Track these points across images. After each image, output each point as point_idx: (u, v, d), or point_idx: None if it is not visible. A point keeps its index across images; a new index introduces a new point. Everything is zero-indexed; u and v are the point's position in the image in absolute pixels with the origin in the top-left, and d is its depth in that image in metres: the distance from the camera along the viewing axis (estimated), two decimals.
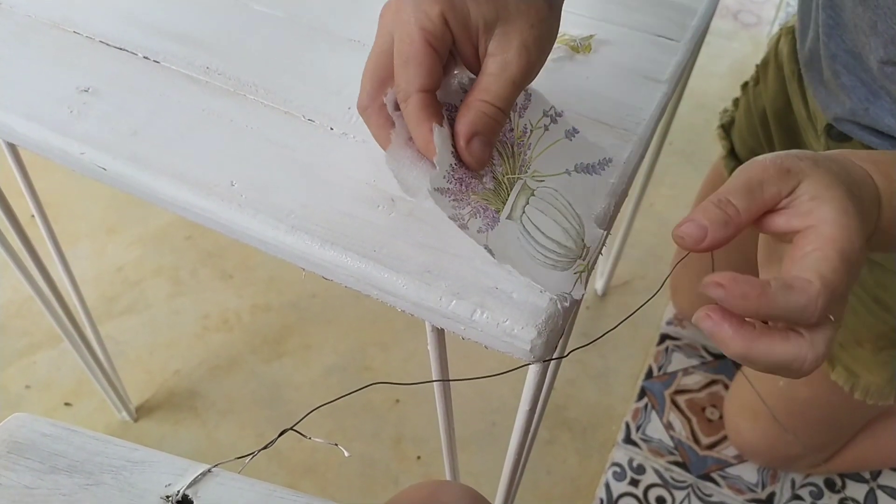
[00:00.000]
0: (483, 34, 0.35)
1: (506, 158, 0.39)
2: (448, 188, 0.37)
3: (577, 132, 0.41)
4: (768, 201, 0.33)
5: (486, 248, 0.36)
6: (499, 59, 0.35)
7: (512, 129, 0.40)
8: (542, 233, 0.38)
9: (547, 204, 0.39)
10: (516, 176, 0.39)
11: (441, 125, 0.36)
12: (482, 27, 0.35)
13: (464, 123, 0.36)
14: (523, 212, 0.38)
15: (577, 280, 0.37)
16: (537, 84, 0.47)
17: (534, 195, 0.39)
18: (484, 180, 0.38)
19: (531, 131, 0.41)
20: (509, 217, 0.38)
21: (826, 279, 0.31)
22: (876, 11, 0.47)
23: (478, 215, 0.37)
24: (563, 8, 0.53)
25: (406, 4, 0.34)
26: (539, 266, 0.37)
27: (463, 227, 0.36)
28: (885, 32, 0.47)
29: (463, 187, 0.37)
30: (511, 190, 0.38)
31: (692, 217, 0.33)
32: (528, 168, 0.40)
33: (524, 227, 0.38)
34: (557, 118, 0.41)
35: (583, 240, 0.38)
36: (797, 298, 0.30)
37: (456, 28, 0.34)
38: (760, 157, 0.34)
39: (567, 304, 0.37)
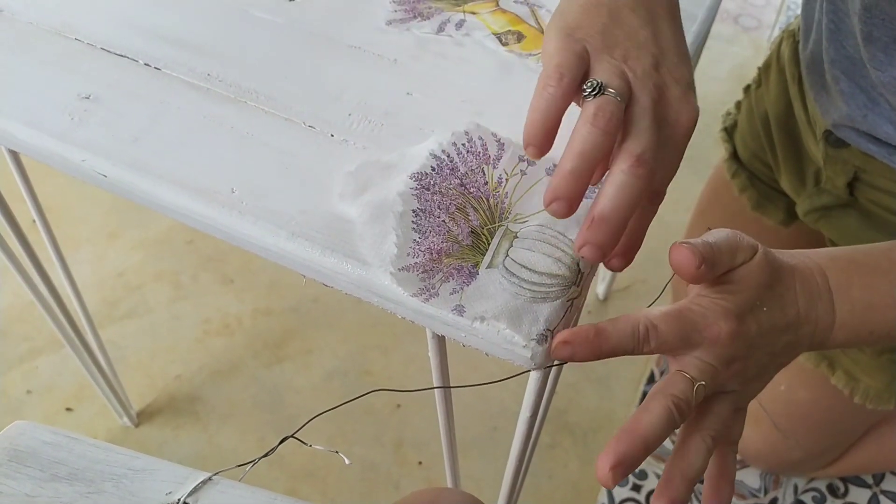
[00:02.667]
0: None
1: (482, 212, 0.39)
2: (414, 263, 0.37)
3: None
4: (735, 266, 0.38)
5: (453, 310, 0.36)
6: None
7: (486, 182, 0.40)
8: (530, 269, 0.37)
9: (533, 241, 0.38)
10: (496, 225, 0.39)
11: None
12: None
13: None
14: (506, 255, 0.38)
15: (567, 309, 0.37)
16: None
17: (517, 237, 0.39)
18: (460, 238, 0.38)
19: (507, 180, 0.41)
20: (490, 266, 0.38)
21: (659, 314, 0.35)
22: (872, 21, 0.47)
23: (451, 278, 0.37)
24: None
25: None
26: (527, 303, 0.36)
27: (429, 298, 0.36)
28: (881, 38, 0.47)
29: (434, 255, 0.37)
30: (492, 239, 0.38)
31: (696, 247, 0.36)
32: (509, 214, 0.39)
33: (507, 269, 0.37)
34: (535, 160, 0.42)
35: (578, 264, 0.38)
36: (623, 325, 0.35)
37: None
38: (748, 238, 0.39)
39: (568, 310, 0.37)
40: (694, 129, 0.37)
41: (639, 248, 0.38)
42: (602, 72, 0.36)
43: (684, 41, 0.40)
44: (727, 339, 0.35)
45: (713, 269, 0.36)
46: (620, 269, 0.37)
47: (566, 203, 0.33)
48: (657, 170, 0.35)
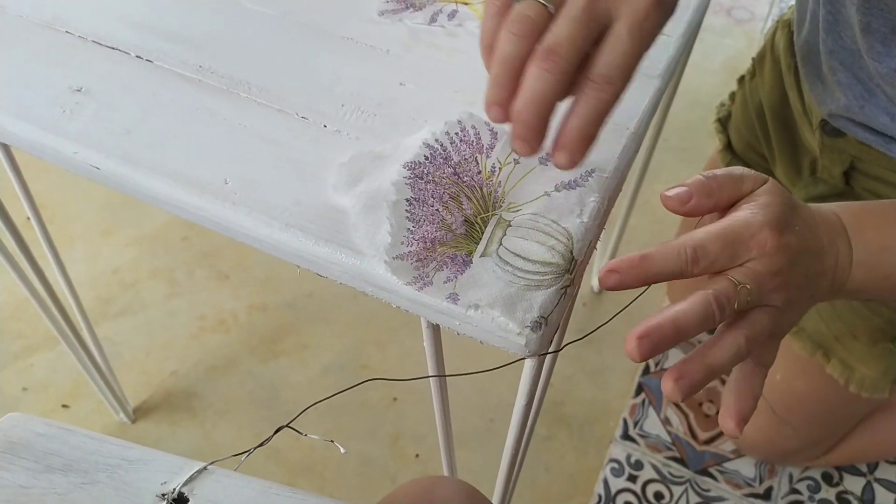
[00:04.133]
0: None
1: (475, 200, 0.39)
2: (408, 251, 0.37)
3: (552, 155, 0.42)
4: (744, 193, 0.38)
5: (447, 298, 0.36)
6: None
7: (480, 171, 0.40)
8: (523, 258, 0.38)
9: (527, 229, 0.38)
10: (490, 213, 0.39)
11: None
12: None
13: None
14: (500, 244, 0.38)
15: (560, 296, 0.37)
16: None
17: (511, 226, 0.39)
18: (453, 227, 0.38)
19: (500, 169, 0.41)
20: (483, 255, 0.38)
21: (704, 234, 0.35)
22: (871, 11, 0.47)
23: (445, 267, 0.37)
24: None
25: None
26: (521, 290, 0.36)
27: (423, 286, 0.36)
28: (879, 29, 0.47)
29: (427, 244, 0.37)
30: (485, 228, 0.38)
31: (684, 183, 0.37)
32: (502, 203, 0.40)
33: (500, 258, 0.37)
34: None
35: (571, 252, 0.38)
36: (668, 248, 0.35)
37: None
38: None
39: (562, 298, 0.37)
40: (652, 9, 0.34)
41: (587, 141, 0.34)
42: None
43: None
44: (773, 249, 0.35)
45: (710, 197, 0.37)
46: (567, 166, 0.35)
47: (500, 108, 0.34)
48: (572, 58, 0.33)
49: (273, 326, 1.07)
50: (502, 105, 0.34)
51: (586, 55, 0.34)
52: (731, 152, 0.80)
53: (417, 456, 0.96)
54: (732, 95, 0.80)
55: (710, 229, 0.36)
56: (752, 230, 0.36)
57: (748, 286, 0.35)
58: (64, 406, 0.99)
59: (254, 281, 1.12)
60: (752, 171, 0.39)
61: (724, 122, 0.80)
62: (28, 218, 0.71)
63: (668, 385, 0.33)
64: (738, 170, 0.38)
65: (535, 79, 0.33)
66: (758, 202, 0.37)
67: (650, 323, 0.33)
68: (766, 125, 0.73)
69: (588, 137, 0.34)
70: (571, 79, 0.33)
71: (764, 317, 0.36)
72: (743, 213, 0.36)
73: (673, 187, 0.37)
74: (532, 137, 0.34)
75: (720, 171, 0.38)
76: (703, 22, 0.59)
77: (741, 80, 0.78)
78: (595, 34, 0.33)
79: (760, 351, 0.37)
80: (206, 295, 1.11)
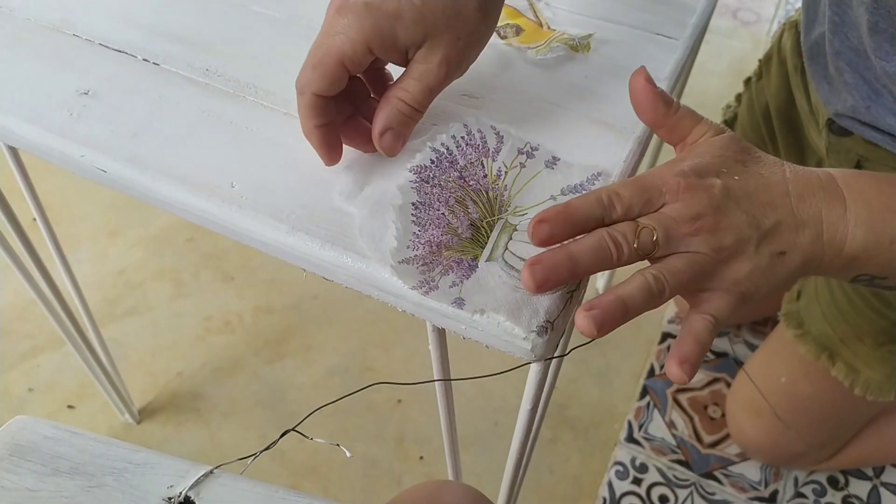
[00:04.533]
0: (412, 50, 0.38)
1: (481, 204, 0.39)
2: (414, 255, 0.37)
3: (558, 160, 0.42)
4: (699, 132, 0.39)
5: (453, 303, 0.36)
6: (421, 67, 0.39)
7: (485, 175, 0.40)
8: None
9: None
10: (495, 217, 0.39)
11: (323, 124, 0.39)
12: (410, 46, 0.38)
13: (380, 118, 0.39)
14: (506, 248, 0.38)
15: (566, 301, 0.37)
16: (536, 83, 0.47)
17: (516, 230, 0.39)
18: (459, 231, 0.38)
19: (506, 173, 0.41)
20: (489, 259, 0.38)
21: (619, 183, 0.36)
22: (878, 11, 0.47)
23: (450, 271, 0.37)
24: (562, 7, 0.53)
25: (337, 22, 0.37)
26: (526, 295, 0.36)
27: (429, 291, 0.36)
28: (887, 30, 0.47)
29: (433, 248, 0.37)
30: (491, 232, 0.38)
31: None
32: (508, 207, 0.40)
33: (506, 262, 0.37)
34: (534, 152, 0.42)
35: None
36: (587, 196, 0.35)
37: (382, 52, 0.38)
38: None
39: (566, 303, 0.37)
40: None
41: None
42: None
43: None
44: (686, 192, 0.35)
45: (668, 105, 0.38)
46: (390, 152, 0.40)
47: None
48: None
49: (278, 328, 1.08)
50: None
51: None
52: None
53: (422, 458, 0.96)
54: (739, 97, 0.80)
55: (627, 179, 0.37)
56: (666, 177, 0.36)
57: (651, 226, 0.34)
58: (69, 407, 0.99)
59: (259, 282, 1.13)
60: (715, 123, 0.39)
61: (730, 124, 0.80)
62: (34, 219, 0.72)
63: (579, 317, 0.33)
64: (697, 113, 0.39)
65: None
66: (688, 152, 0.38)
67: (545, 256, 0.33)
68: (773, 126, 0.72)
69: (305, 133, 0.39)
70: (319, 96, 0.38)
71: (678, 261, 0.35)
72: (664, 165, 0.37)
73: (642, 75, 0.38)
74: (315, 148, 0.40)
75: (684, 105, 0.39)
76: (709, 24, 0.59)
77: (747, 81, 0.77)
78: None
79: (699, 300, 0.36)
80: (212, 296, 1.11)
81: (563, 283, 0.34)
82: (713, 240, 0.35)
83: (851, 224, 0.37)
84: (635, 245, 0.34)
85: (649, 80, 0.38)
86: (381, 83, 0.43)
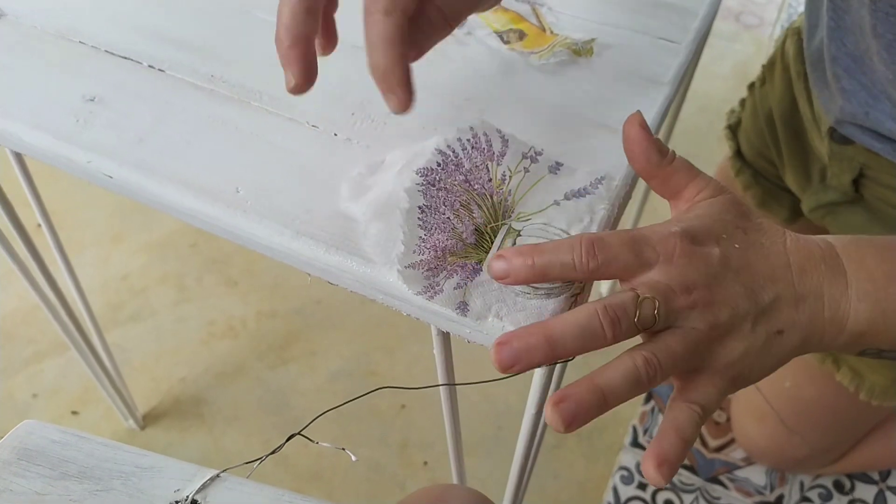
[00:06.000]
0: None
1: (486, 209, 0.40)
2: (420, 260, 0.37)
3: (562, 164, 0.42)
4: (694, 190, 0.36)
5: (458, 307, 0.36)
6: None
7: (490, 179, 0.41)
8: None
9: (536, 238, 0.38)
10: (500, 223, 0.39)
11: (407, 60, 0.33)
12: None
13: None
14: None
15: (570, 305, 0.37)
16: (539, 88, 0.47)
17: (520, 235, 0.39)
18: (464, 236, 0.38)
19: (510, 177, 0.41)
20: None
21: (603, 232, 0.32)
22: (875, 14, 0.47)
23: (455, 274, 0.37)
24: (565, 12, 0.53)
25: None
26: (531, 299, 0.36)
27: (433, 295, 0.36)
28: (885, 35, 0.47)
29: (438, 253, 0.38)
30: (495, 237, 0.39)
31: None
32: (512, 212, 0.40)
33: None
34: (538, 157, 0.42)
35: None
36: (565, 239, 0.32)
37: None
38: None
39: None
40: None
41: (396, 72, 0.33)
42: None
43: None
44: (682, 258, 0.31)
45: (662, 155, 0.35)
46: (397, 108, 0.34)
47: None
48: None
49: (282, 333, 1.08)
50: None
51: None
52: (740, 159, 0.80)
53: (426, 463, 0.96)
54: (742, 102, 0.80)
55: (618, 230, 0.33)
56: (662, 236, 0.32)
57: (653, 297, 0.30)
58: (73, 412, 0.99)
59: (262, 287, 1.13)
60: (713, 179, 0.36)
61: (734, 129, 0.80)
62: (39, 224, 0.72)
63: (548, 410, 0.29)
64: (694, 166, 0.36)
65: (371, 26, 0.32)
66: (685, 214, 0.34)
67: (519, 333, 0.29)
68: (776, 132, 0.72)
69: (389, 66, 0.32)
70: (407, 16, 0.32)
71: (673, 339, 0.31)
72: (659, 224, 0.33)
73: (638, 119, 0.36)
74: (394, 86, 0.32)
75: (681, 157, 0.36)
76: (712, 27, 0.59)
77: (751, 86, 0.78)
78: None
79: (686, 385, 0.32)
80: (215, 301, 1.11)
81: (537, 366, 0.30)
82: (709, 315, 0.31)
83: (854, 299, 0.33)
84: (636, 319, 0.30)
85: (644, 127, 0.35)
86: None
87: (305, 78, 0.34)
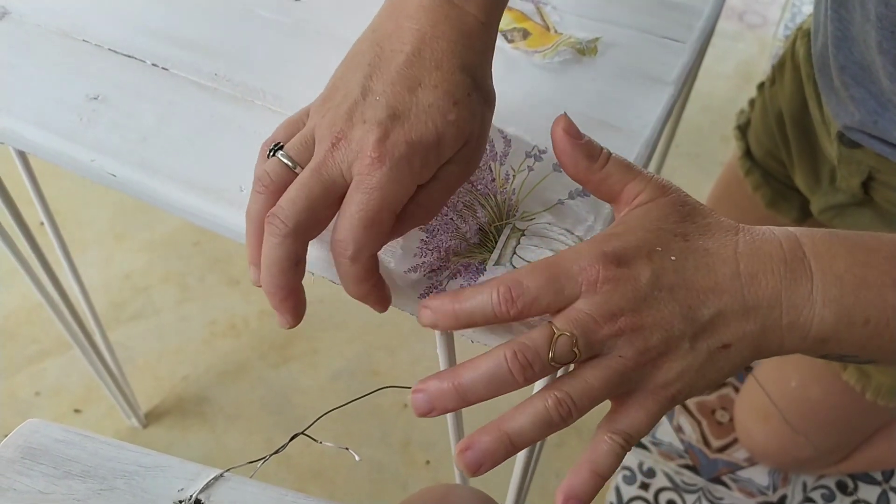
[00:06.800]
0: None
1: (489, 208, 0.39)
2: (422, 263, 0.37)
3: None
4: (634, 190, 0.34)
5: None
6: (453, 168, 0.34)
7: (493, 179, 0.40)
8: None
9: (540, 238, 0.38)
10: (503, 222, 0.39)
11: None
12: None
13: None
14: (514, 253, 0.38)
15: None
16: (543, 87, 0.47)
17: (524, 234, 0.39)
18: (468, 236, 0.38)
19: (514, 176, 0.41)
20: (497, 263, 0.38)
21: (524, 267, 0.31)
22: (881, 31, 0.47)
23: (458, 275, 0.37)
24: (569, 11, 0.53)
25: (378, 170, 0.31)
26: None
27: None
28: (890, 51, 0.47)
29: (442, 254, 0.37)
30: (499, 237, 0.38)
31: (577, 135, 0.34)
32: (516, 211, 0.39)
33: (514, 267, 0.37)
34: (542, 155, 0.42)
35: None
36: (482, 287, 0.31)
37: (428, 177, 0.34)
38: None
39: None
40: (373, 167, 0.31)
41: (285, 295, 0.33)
42: (287, 137, 0.35)
43: (412, 71, 0.33)
44: (606, 284, 0.30)
45: (592, 159, 0.33)
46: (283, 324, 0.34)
47: (255, 268, 0.34)
48: (293, 220, 0.31)
49: (283, 332, 1.08)
50: (256, 265, 0.33)
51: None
52: (750, 159, 0.79)
53: (428, 462, 0.96)
54: (752, 102, 0.80)
55: (534, 263, 0.31)
56: (584, 262, 0.30)
57: (570, 332, 0.29)
58: (76, 411, 1.00)
59: None
60: (653, 176, 0.34)
61: (743, 129, 0.80)
62: (42, 223, 0.72)
63: (455, 457, 0.29)
64: (633, 166, 0.34)
65: (265, 245, 0.32)
66: (614, 229, 0.32)
67: (430, 382, 0.30)
68: (786, 133, 0.72)
69: (270, 290, 0.32)
70: (303, 240, 0.32)
71: (592, 373, 0.30)
72: (582, 245, 0.31)
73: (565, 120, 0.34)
74: (279, 305, 0.32)
75: (617, 155, 0.35)
76: (715, 27, 0.59)
77: (761, 86, 0.77)
78: (330, 194, 0.32)
79: (615, 408, 0.31)
80: (218, 300, 1.11)
81: (453, 410, 0.30)
82: (638, 340, 0.30)
83: (819, 304, 0.31)
84: (550, 357, 0.29)
85: (568, 132, 0.33)
86: None
87: (299, 319, 0.34)
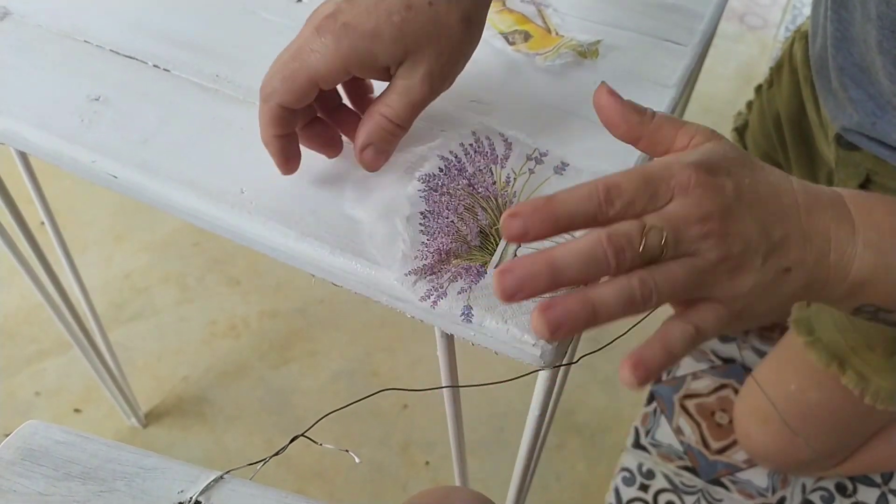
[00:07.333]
0: (394, 66, 0.38)
1: (490, 211, 0.39)
2: (423, 266, 0.37)
3: (567, 165, 0.42)
4: (683, 142, 0.35)
5: (462, 309, 0.36)
6: (404, 83, 0.38)
7: (494, 182, 0.40)
8: None
9: (541, 241, 0.38)
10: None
11: (283, 134, 0.38)
12: (392, 63, 0.37)
13: (362, 133, 0.39)
14: (515, 255, 0.38)
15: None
16: (544, 90, 0.47)
17: None
18: (468, 238, 0.38)
19: (515, 179, 0.41)
20: (499, 266, 0.37)
21: (619, 173, 0.31)
22: (881, 31, 0.47)
23: (459, 278, 0.37)
24: (570, 13, 0.53)
25: (315, 40, 0.36)
26: (536, 302, 0.36)
27: (438, 298, 0.36)
28: (891, 51, 0.47)
29: (442, 256, 0.38)
30: (500, 239, 0.38)
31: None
32: None
33: None
34: (543, 158, 0.42)
35: None
36: (578, 188, 0.31)
37: (361, 72, 0.37)
38: None
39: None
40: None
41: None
42: None
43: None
44: (698, 188, 0.31)
45: (641, 114, 0.34)
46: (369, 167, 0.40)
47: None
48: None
49: (284, 333, 1.08)
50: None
51: None
52: None
53: (428, 464, 0.96)
54: (749, 104, 0.80)
55: (629, 169, 0.32)
56: (675, 169, 0.31)
57: (660, 227, 0.30)
58: (76, 411, 0.99)
59: (265, 287, 1.13)
60: (699, 125, 0.35)
61: (741, 132, 0.80)
62: (42, 223, 0.72)
63: (533, 316, 0.29)
64: (681, 120, 0.36)
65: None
66: (692, 150, 0.34)
67: (520, 261, 0.29)
68: (784, 135, 0.72)
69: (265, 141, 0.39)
70: (284, 106, 0.38)
71: (678, 266, 0.30)
72: (670, 155, 0.33)
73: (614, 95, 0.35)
74: (273, 155, 0.39)
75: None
76: (717, 29, 0.59)
77: (758, 88, 0.77)
78: None
79: (685, 310, 0.32)
80: (218, 300, 1.11)
81: (540, 293, 0.29)
82: (722, 246, 0.31)
83: (860, 246, 0.33)
84: (640, 249, 0.30)
85: (612, 93, 0.35)
86: (360, 92, 0.42)
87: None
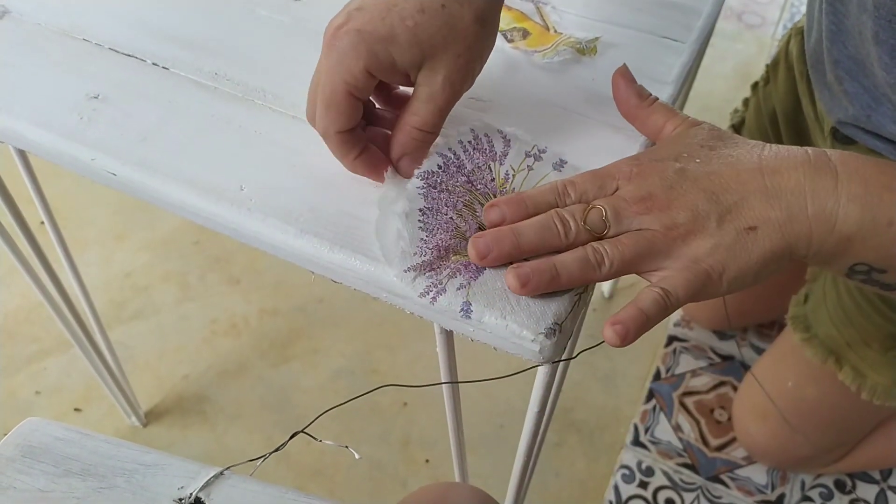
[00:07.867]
0: (413, 72, 0.38)
1: None
2: (422, 262, 0.37)
3: (566, 162, 0.42)
4: (671, 125, 0.41)
5: (461, 305, 0.36)
6: (426, 90, 0.38)
7: (493, 179, 0.41)
8: None
9: None
10: None
11: (359, 155, 0.39)
12: (411, 68, 0.38)
13: (396, 146, 0.40)
14: None
15: (574, 303, 0.37)
16: (543, 87, 0.47)
17: None
18: (467, 235, 0.38)
19: (514, 176, 0.41)
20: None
21: (574, 176, 0.38)
22: (878, 21, 0.47)
23: (458, 274, 0.37)
24: (569, 10, 0.53)
25: (333, 53, 0.37)
26: (535, 298, 0.36)
27: (437, 295, 0.36)
28: (887, 41, 0.47)
29: (441, 253, 0.38)
30: None
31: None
32: None
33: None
34: (542, 154, 0.42)
35: None
36: (545, 186, 0.38)
37: (383, 75, 0.37)
38: None
39: (575, 306, 0.37)
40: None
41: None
42: None
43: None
44: (638, 175, 0.36)
45: (642, 98, 0.41)
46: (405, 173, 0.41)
47: None
48: None
49: (284, 331, 1.08)
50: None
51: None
52: None
53: (427, 461, 0.96)
54: (746, 101, 0.80)
55: (583, 172, 0.39)
56: (621, 164, 0.38)
57: (601, 206, 0.36)
58: (76, 410, 1.00)
59: (265, 285, 1.13)
60: (689, 116, 0.40)
61: (737, 129, 0.80)
62: (42, 222, 0.72)
63: (507, 275, 0.35)
64: (676, 111, 0.41)
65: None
66: (676, 133, 0.39)
67: (490, 230, 0.36)
68: (780, 132, 0.72)
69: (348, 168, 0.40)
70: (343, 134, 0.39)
71: (626, 237, 0.35)
72: (621, 159, 0.39)
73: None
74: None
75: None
76: (715, 27, 0.59)
77: (755, 86, 0.77)
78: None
79: (653, 276, 0.36)
80: (218, 299, 1.11)
81: (507, 257, 0.35)
82: (665, 217, 0.35)
83: (843, 198, 0.34)
84: (583, 223, 0.35)
85: (625, 76, 0.42)
86: (390, 95, 0.43)
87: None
